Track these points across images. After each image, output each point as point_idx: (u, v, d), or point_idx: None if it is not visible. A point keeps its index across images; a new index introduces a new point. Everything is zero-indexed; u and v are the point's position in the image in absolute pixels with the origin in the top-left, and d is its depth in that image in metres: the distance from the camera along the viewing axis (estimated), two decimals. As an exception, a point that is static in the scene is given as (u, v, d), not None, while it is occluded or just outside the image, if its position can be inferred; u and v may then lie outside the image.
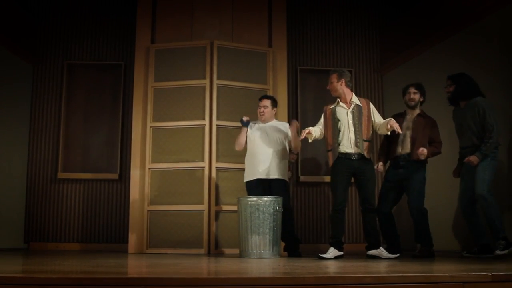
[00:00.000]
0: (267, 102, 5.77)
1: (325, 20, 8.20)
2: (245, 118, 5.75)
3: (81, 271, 3.38)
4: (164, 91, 6.74)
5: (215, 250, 6.30)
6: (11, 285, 2.71)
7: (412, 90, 5.61)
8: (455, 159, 5.55)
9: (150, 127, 6.67)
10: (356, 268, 3.59)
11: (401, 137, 5.44)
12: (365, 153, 5.08)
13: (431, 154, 5.40)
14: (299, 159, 7.57)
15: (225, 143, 6.52)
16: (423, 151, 5.21)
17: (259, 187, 5.58)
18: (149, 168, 6.59)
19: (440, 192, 6.38)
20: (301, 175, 7.69)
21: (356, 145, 5.05)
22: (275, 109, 5.85)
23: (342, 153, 5.06)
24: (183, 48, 6.80)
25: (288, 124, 5.89)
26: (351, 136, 5.07)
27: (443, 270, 3.32)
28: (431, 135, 5.48)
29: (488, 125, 5.01)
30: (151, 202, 6.53)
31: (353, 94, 5.30)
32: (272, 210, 5.26)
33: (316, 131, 5.17)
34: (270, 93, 6.77)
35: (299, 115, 7.77)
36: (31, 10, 7.78)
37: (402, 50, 7.41)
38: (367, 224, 5.11)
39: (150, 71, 6.79)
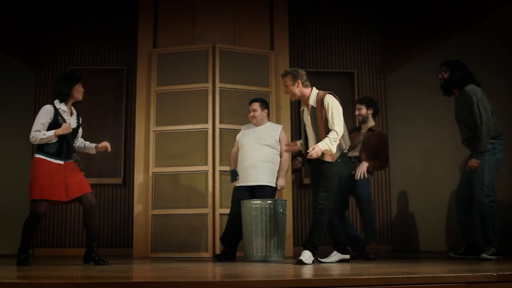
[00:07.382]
0: (255, 106, 5.69)
1: (327, 21, 8.19)
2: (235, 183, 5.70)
3: (86, 276, 3.38)
4: (167, 95, 6.75)
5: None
6: (17, 291, 2.72)
7: (357, 106, 5.74)
8: (449, 160, 5.51)
9: (154, 131, 6.68)
10: (361, 270, 3.58)
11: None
12: (324, 157, 4.48)
13: (372, 168, 5.49)
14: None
15: (228, 146, 6.51)
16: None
17: (242, 193, 5.52)
18: (152, 172, 6.61)
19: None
20: (305, 177, 7.67)
21: None
22: (265, 110, 5.74)
23: (307, 158, 4.61)
24: (185, 52, 6.82)
25: (281, 126, 5.82)
26: (310, 141, 4.65)
27: (448, 270, 3.31)
28: (377, 150, 5.53)
29: (475, 116, 4.66)
30: (155, 206, 6.54)
31: (312, 91, 4.67)
32: (276, 213, 5.25)
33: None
34: (272, 95, 6.78)
35: (302, 117, 7.76)
36: (34, 16, 7.80)
37: (405, 51, 7.41)
38: None
39: (152, 75, 6.80)
